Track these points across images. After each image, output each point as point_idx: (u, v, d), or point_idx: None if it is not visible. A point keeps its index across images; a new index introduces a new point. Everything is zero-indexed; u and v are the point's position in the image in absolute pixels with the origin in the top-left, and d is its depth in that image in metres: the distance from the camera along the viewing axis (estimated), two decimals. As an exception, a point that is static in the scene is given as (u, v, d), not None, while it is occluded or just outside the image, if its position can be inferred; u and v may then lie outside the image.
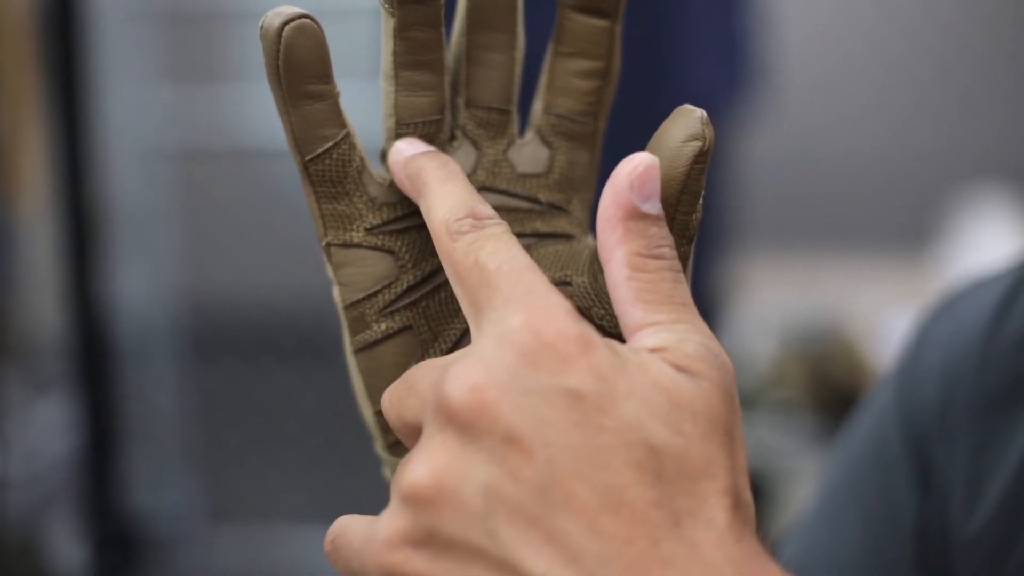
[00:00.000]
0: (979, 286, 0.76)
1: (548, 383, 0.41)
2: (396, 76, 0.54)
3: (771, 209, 3.77)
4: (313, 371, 4.11)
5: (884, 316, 2.66)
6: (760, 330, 2.79)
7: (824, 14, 3.85)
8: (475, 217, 0.47)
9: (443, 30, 0.54)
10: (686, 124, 0.48)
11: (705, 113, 0.49)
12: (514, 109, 0.56)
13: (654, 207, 0.46)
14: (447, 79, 0.55)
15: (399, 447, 0.54)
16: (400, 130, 0.54)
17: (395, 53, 0.53)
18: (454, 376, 0.42)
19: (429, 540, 0.42)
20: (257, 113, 3.06)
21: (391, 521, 0.43)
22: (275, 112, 3.12)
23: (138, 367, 2.95)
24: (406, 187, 0.52)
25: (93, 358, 2.24)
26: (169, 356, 3.09)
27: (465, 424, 0.41)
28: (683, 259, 0.50)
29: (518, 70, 0.56)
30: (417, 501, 0.42)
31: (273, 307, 4.35)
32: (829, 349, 2.70)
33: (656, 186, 0.46)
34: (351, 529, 0.46)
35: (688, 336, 0.44)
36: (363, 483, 3.42)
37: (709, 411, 0.42)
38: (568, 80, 0.55)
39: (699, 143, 0.48)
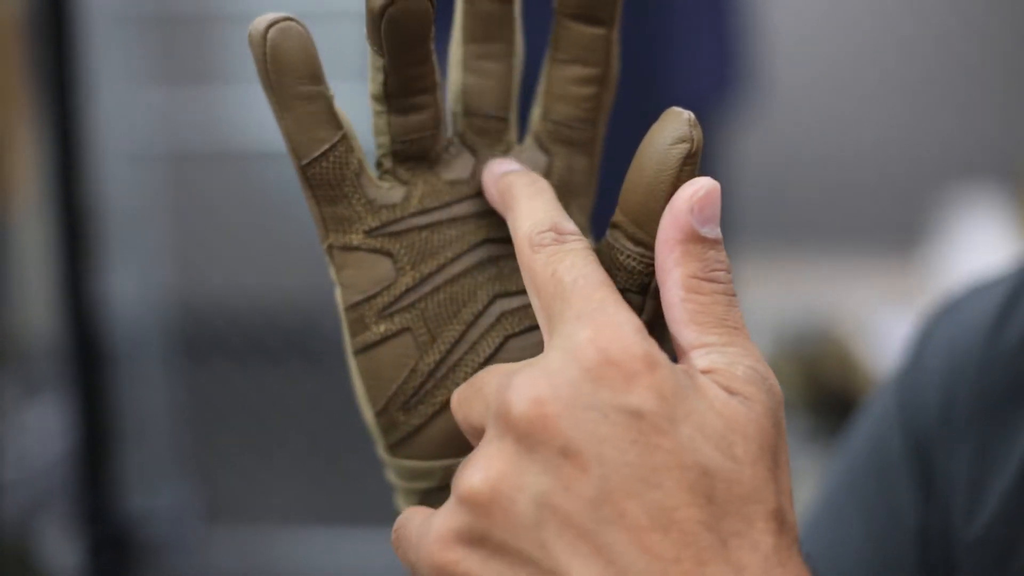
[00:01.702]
0: (980, 289, 0.76)
1: (609, 400, 0.42)
2: (388, 102, 0.54)
3: (762, 209, 3.78)
4: (303, 372, 4.11)
5: (875, 315, 2.67)
6: (752, 330, 2.79)
7: (813, 16, 3.86)
8: (557, 231, 0.48)
9: (434, 57, 0.54)
10: (674, 126, 0.49)
11: (693, 115, 0.49)
12: (512, 117, 0.56)
13: (713, 231, 0.47)
14: (440, 94, 0.55)
15: (400, 449, 0.55)
16: (395, 147, 0.54)
17: (386, 85, 0.53)
18: (517, 386, 0.43)
19: (481, 543, 0.43)
20: (246, 115, 3.06)
21: (446, 519, 0.44)
22: (264, 114, 3.12)
23: (129, 369, 2.95)
24: (495, 201, 0.53)
25: (85, 360, 2.23)
26: (159, 358, 3.08)
27: (524, 434, 0.42)
28: None
29: (517, 78, 0.56)
30: (472, 504, 0.43)
31: (263, 309, 4.35)
32: (821, 349, 2.70)
33: (716, 211, 0.47)
34: (410, 521, 0.48)
35: (739, 359, 0.45)
36: (354, 484, 3.43)
37: (760, 435, 0.43)
38: (565, 87, 0.55)
39: (687, 145, 0.48)
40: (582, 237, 0.48)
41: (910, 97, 3.86)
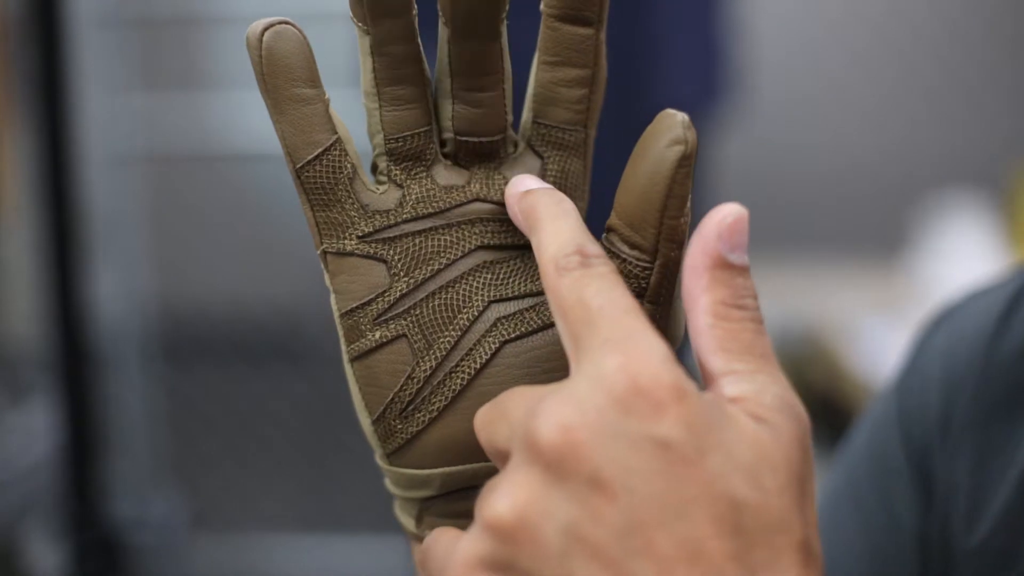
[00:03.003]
0: (977, 296, 0.76)
1: (638, 430, 0.41)
2: (379, 93, 0.54)
3: (746, 215, 3.78)
4: (286, 376, 4.10)
5: (860, 322, 2.67)
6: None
7: (798, 23, 3.86)
8: (583, 255, 0.47)
9: (419, 42, 0.54)
10: (668, 128, 0.49)
11: (687, 117, 0.49)
12: (508, 133, 0.56)
13: (741, 258, 0.46)
14: (429, 91, 0.55)
15: (398, 457, 0.55)
16: (390, 144, 0.55)
17: (375, 70, 0.54)
18: (546, 412, 0.43)
19: (505, 570, 0.43)
20: (229, 118, 3.05)
21: (471, 544, 0.44)
22: (246, 117, 3.11)
23: (111, 374, 2.94)
24: (519, 221, 0.52)
25: (72, 365, 2.23)
26: (141, 363, 3.07)
27: (552, 462, 0.42)
28: (674, 264, 0.51)
29: (509, 99, 0.56)
30: (498, 531, 0.43)
31: (246, 313, 4.34)
32: (807, 355, 2.70)
33: (744, 238, 0.46)
34: (437, 543, 0.49)
35: (767, 387, 0.45)
36: (338, 489, 3.42)
37: (787, 465, 0.43)
38: (556, 89, 0.55)
39: (682, 147, 0.49)
40: (608, 260, 0.47)
41: (896, 105, 3.87)
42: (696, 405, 0.42)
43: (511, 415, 0.46)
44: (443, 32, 0.53)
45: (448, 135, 0.55)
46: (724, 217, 0.46)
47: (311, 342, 4.13)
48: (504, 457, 0.46)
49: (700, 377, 0.46)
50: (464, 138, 0.55)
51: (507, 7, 0.53)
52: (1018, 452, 0.66)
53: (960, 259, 2.77)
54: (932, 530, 0.71)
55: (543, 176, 0.56)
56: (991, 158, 3.64)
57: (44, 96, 2.05)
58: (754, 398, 0.44)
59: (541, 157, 0.56)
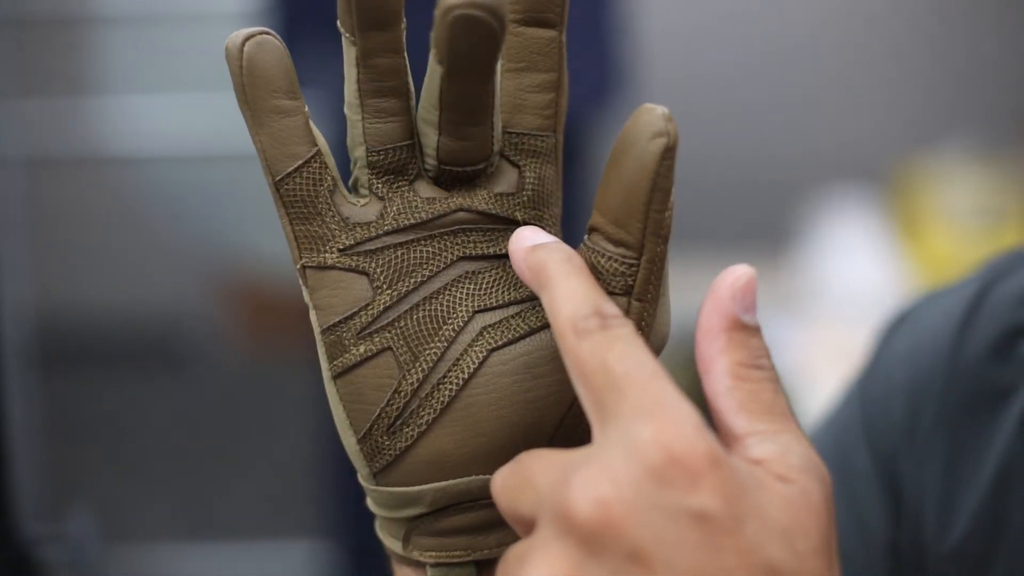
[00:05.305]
0: (935, 299, 0.76)
1: (675, 502, 0.41)
2: (362, 104, 0.53)
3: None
4: (166, 383, 4.05)
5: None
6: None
7: (685, 22, 3.89)
8: (601, 316, 0.46)
9: (405, 55, 0.53)
10: (649, 121, 0.49)
11: (667, 110, 0.49)
12: (492, 158, 0.55)
13: (753, 319, 0.47)
14: (412, 105, 0.54)
15: (385, 475, 0.53)
16: (371, 157, 0.53)
17: (359, 81, 0.53)
18: (579, 486, 0.42)
19: None
20: (107, 122, 3.00)
21: None
22: (126, 120, 3.06)
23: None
24: (526, 277, 0.51)
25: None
26: (19, 370, 3.01)
27: (588, 536, 0.42)
28: (660, 259, 0.51)
29: (497, 131, 0.55)
30: None
31: (124, 318, 4.27)
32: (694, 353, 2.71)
33: (755, 298, 0.47)
34: None
35: (792, 447, 0.45)
36: (222, 495, 3.38)
37: (817, 528, 0.43)
38: (523, 96, 0.54)
39: (664, 139, 0.48)
40: (626, 320, 0.47)
41: (780, 100, 3.91)
42: (730, 473, 0.42)
43: (537, 483, 0.45)
44: (435, 68, 0.51)
45: (431, 162, 0.54)
46: (737, 279, 0.47)
47: (191, 348, 4.09)
48: (527, 524, 0.46)
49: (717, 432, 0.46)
50: (448, 167, 0.54)
51: (501, 50, 0.51)
52: (988, 454, 0.67)
53: (848, 254, 2.81)
54: (903, 537, 0.72)
55: (521, 186, 0.55)
56: (877, 153, 3.70)
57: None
58: (780, 459, 0.44)
59: (517, 166, 0.55)
